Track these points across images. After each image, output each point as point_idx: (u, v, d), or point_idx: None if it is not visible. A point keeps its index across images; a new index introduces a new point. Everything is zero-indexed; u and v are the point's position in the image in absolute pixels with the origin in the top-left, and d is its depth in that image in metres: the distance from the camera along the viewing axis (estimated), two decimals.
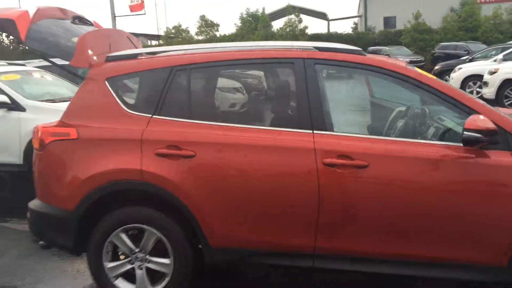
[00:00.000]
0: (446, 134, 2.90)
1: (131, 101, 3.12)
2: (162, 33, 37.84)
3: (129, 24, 75.73)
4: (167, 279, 3.03)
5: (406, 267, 2.81)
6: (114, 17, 23.62)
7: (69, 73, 6.85)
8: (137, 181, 2.94)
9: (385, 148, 2.77)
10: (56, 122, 3.20)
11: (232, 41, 36.10)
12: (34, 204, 3.23)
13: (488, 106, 2.88)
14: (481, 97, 11.94)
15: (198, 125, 2.97)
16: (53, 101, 6.30)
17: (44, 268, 3.84)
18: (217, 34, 39.71)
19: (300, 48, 3.11)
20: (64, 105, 6.10)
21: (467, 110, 2.73)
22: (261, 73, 3.29)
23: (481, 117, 2.60)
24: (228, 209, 2.88)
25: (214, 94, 3.53)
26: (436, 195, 2.68)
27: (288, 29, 35.11)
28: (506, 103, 11.11)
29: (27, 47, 3.39)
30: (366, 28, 37.22)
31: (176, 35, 39.55)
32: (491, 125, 2.56)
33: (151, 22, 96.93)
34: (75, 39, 3.29)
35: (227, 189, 2.87)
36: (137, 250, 3.05)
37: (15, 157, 5.89)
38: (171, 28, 40.31)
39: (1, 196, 6.10)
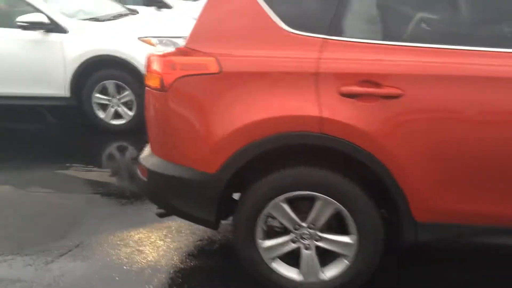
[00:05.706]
0: None
1: (293, 15, 2.14)
2: None
3: None
4: (346, 263, 2.24)
5: None
6: None
7: None
8: (311, 133, 2.05)
9: None
10: (180, 49, 2.24)
11: None
12: (152, 163, 2.36)
13: None
14: None
15: (404, 49, 2.02)
16: (97, 20, 5.23)
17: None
18: None
19: None
20: (112, 25, 5.16)
21: None
22: None
23: None
24: (448, 171, 2.02)
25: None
26: None
27: None
28: None
29: None
30: None
31: None
32: None
33: None
34: None
35: (450, 144, 1.99)
36: (304, 224, 2.24)
37: (60, 89, 4.97)
38: None
39: (50, 138, 5.19)
